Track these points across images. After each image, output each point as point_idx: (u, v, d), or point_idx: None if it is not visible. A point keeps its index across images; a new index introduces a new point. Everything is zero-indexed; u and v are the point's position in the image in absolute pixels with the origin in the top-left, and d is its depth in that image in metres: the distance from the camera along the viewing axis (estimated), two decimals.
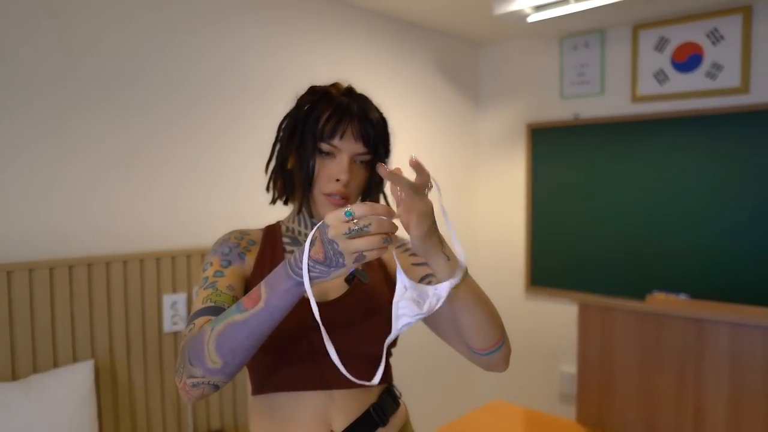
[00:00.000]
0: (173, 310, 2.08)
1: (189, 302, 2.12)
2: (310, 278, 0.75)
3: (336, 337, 0.97)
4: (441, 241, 0.83)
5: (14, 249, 1.78)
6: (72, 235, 1.90)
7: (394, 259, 1.05)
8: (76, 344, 1.87)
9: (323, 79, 2.57)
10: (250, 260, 1.02)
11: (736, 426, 2.05)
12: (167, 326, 2.07)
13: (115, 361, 1.96)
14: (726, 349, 2.06)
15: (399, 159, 3.04)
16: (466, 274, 0.84)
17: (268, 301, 0.77)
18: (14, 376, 1.74)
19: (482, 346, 0.90)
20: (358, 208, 0.72)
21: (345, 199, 0.99)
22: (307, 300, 0.97)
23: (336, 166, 0.98)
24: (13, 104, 1.77)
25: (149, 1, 2.06)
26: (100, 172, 1.96)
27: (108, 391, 1.93)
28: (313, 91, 1.04)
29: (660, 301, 2.50)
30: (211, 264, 0.99)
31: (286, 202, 1.08)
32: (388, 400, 1.03)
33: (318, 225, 0.74)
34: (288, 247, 1.05)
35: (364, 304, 1.00)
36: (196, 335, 0.83)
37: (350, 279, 0.98)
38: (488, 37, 3.40)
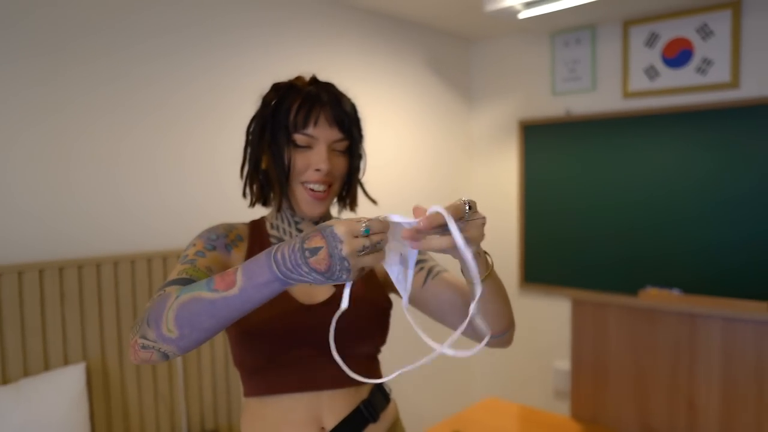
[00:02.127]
0: None
1: None
2: (295, 280, 0.71)
3: (325, 339, 0.96)
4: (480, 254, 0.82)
5: (2, 251, 1.76)
6: (62, 237, 1.88)
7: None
8: (68, 347, 1.85)
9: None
10: (237, 255, 1.00)
11: (728, 419, 2.06)
12: None
13: (107, 364, 1.94)
14: (718, 343, 2.07)
15: (393, 160, 3.03)
16: (491, 268, 0.85)
17: (243, 289, 0.72)
18: (4, 380, 1.72)
19: (500, 329, 0.93)
20: (376, 225, 0.68)
21: (328, 187, 0.98)
22: (295, 301, 0.97)
23: (314, 155, 0.96)
24: (6, 106, 1.75)
25: (143, 1, 2.04)
26: (90, 173, 1.95)
27: (100, 394, 1.92)
28: (277, 87, 1.02)
29: (653, 296, 2.51)
30: (194, 245, 0.96)
31: (265, 203, 1.06)
32: (378, 396, 1.04)
33: (323, 231, 0.68)
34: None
35: (353, 302, 0.97)
36: (159, 298, 0.78)
37: None
38: (479, 34, 3.39)
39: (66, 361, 1.85)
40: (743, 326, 2.02)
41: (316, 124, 0.95)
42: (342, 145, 0.99)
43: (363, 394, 1.01)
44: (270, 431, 0.97)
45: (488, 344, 0.95)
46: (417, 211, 0.70)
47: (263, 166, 1.00)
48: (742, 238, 2.63)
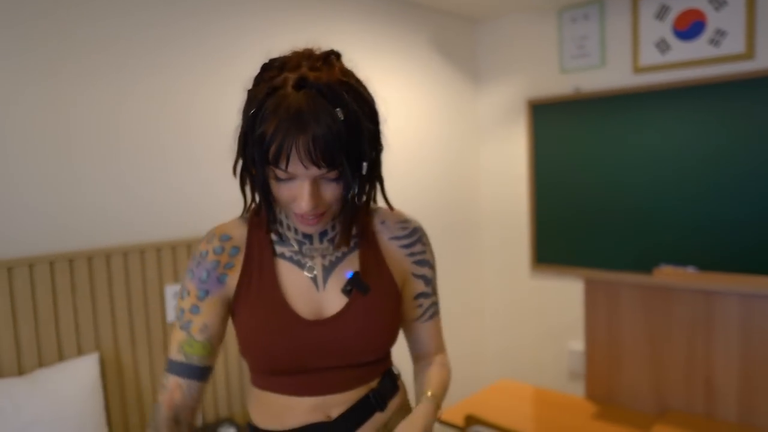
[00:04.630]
0: (175, 300, 2.06)
1: None
2: None
3: (332, 354, 0.93)
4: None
5: (14, 244, 1.77)
6: (71, 229, 1.89)
7: (394, 254, 1.01)
8: (81, 337, 1.86)
9: None
10: (232, 280, 0.94)
11: (748, 397, 2.03)
12: (170, 317, 2.06)
13: (120, 353, 1.95)
14: (736, 320, 2.04)
15: (400, 143, 3.00)
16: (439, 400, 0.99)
17: None
18: (20, 371, 1.73)
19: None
20: None
21: (318, 218, 0.87)
22: (300, 318, 0.92)
23: (295, 190, 0.83)
24: (13, 97, 1.75)
25: None
26: (98, 164, 1.94)
27: (114, 383, 1.93)
28: (261, 78, 0.86)
29: (667, 274, 2.48)
30: (188, 293, 0.93)
31: (258, 209, 0.96)
32: (387, 384, 1.01)
33: None
34: (278, 248, 0.96)
35: (362, 318, 0.94)
36: (153, 417, 0.92)
37: (348, 291, 0.93)
38: (485, 14, 3.33)
39: (80, 352, 1.86)
40: (761, 302, 1.98)
41: (288, 163, 0.79)
42: (332, 174, 0.83)
43: (372, 385, 0.99)
44: (276, 418, 0.96)
45: None
46: None
47: (254, 171, 0.86)
48: (758, 213, 2.58)
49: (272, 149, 0.79)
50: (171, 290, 2.06)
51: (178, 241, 2.09)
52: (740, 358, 2.03)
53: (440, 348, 1.10)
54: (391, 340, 0.99)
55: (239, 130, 0.87)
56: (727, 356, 2.05)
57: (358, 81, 0.88)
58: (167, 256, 2.06)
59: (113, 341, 1.93)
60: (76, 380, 1.75)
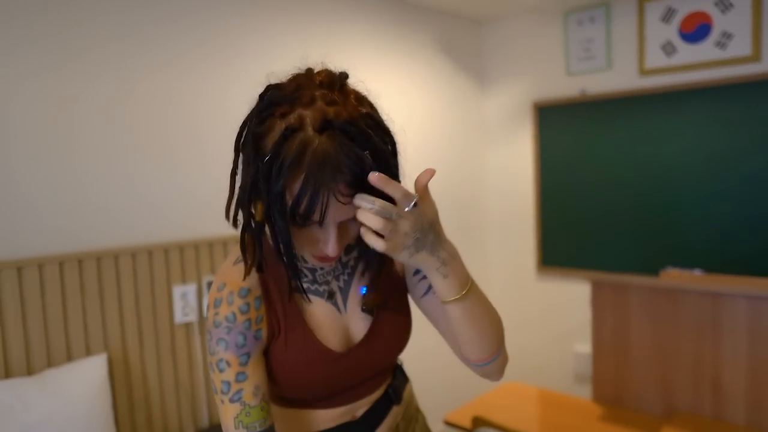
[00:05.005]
0: (183, 301, 2.07)
1: (199, 293, 2.12)
2: None
3: (364, 374, 0.94)
4: (436, 257, 0.79)
5: (23, 245, 1.78)
6: (80, 229, 1.90)
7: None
8: (89, 338, 1.87)
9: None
10: (264, 330, 0.87)
11: (756, 399, 2.02)
12: (178, 317, 2.06)
13: (128, 354, 1.96)
14: (744, 322, 2.03)
15: (405, 145, 3.00)
16: (469, 289, 0.82)
17: None
18: (29, 371, 1.74)
19: (477, 358, 0.88)
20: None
21: (337, 257, 0.81)
22: (331, 352, 0.90)
23: (322, 234, 0.78)
24: (18, 96, 1.76)
25: None
26: (106, 165, 1.95)
27: (122, 383, 1.93)
28: (269, 114, 0.76)
29: (674, 277, 2.47)
30: (228, 364, 0.83)
31: (260, 267, 0.84)
32: (399, 377, 1.05)
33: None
34: (292, 283, 0.86)
35: (388, 332, 0.95)
36: None
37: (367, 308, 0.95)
38: (491, 16, 3.34)
39: (88, 352, 1.86)
40: None
41: (323, 215, 0.73)
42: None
43: (388, 379, 1.03)
44: (300, 417, 0.96)
45: (473, 371, 0.91)
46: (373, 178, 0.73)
47: (257, 218, 0.77)
48: (764, 215, 2.57)
49: (303, 204, 0.72)
50: (179, 291, 2.07)
51: (186, 241, 2.10)
52: (748, 360, 2.02)
53: None
54: (409, 338, 1.00)
55: (241, 171, 0.78)
56: (735, 358, 2.04)
57: (373, 108, 0.82)
58: (175, 257, 2.07)
59: (121, 342, 1.94)
60: (85, 380, 1.75)
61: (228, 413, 0.82)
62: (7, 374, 1.70)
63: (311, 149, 0.71)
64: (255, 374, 0.84)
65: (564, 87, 3.18)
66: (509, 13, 3.29)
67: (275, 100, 0.77)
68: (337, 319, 0.92)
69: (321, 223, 0.74)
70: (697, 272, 2.66)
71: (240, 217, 0.80)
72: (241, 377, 0.83)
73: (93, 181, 1.93)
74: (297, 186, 0.71)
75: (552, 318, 3.35)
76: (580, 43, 3.09)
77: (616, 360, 2.35)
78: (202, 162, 2.20)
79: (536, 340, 3.44)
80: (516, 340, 3.54)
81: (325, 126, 0.72)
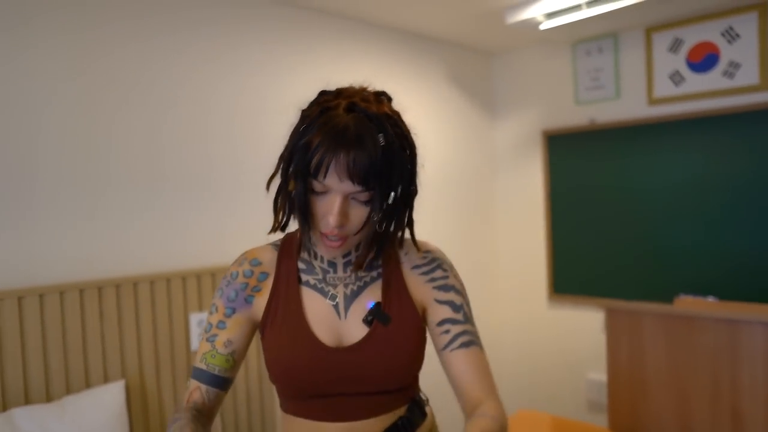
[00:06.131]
0: (200, 328, 2.09)
1: None
2: None
3: (354, 381, 0.95)
4: None
5: (45, 272, 1.81)
6: (100, 257, 1.93)
7: (415, 283, 1.02)
8: (107, 364, 1.89)
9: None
10: (260, 302, 0.99)
11: None
12: (195, 345, 2.08)
13: (145, 381, 1.97)
14: (762, 349, 2.02)
15: (421, 180, 3.04)
16: None
17: None
18: (48, 398, 1.75)
19: None
20: None
21: (342, 240, 0.91)
22: (321, 344, 0.95)
23: (327, 205, 0.89)
24: (45, 131, 1.81)
25: (172, 24, 2.10)
26: (126, 195, 1.99)
27: (139, 410, 1.94)
28: (316, 102, 0.94)
29: (689, 304, 2.46)
30: (217, 309, 0.99)
31: (283, 229, 0.99)
32: (415, 411, 1.02)
33: None
34: (303, 276, 1.00)
35: (382, 347, 0.95)
36: (172, 420, 0.91)
37: (369, 321, 0.96)
38: (501, 47, 3.41)
39: (106, 379, 1.88)
40: None
41: (326, 175, 0.86)
42: (363, 196, 0.89)
43: (400, 412, 1.00)
44: None
45: None
46: None
47: (290, 188, 0.92)
48: None
49: (315, 159, 0.86)
50: (195, 318, 2.09)
51: (203, 269, 2.12)
52: (767, 387, 2.00)
53: (485, 388, 0.96)
54: (413, 369, 1.00)
55: (285, 145, 0.93)
56: (754, 385, 2.02)
57: (402, 121, 0.98)
58: (192, 285, 2.09)
59: (138, 369, 1.95)
60: (103, 407, 1.76)
61: (201, 348, 0.98)
62: (27, 400, 1.72)
63: (335, 120, 0.87)
64: (233, 329, 0.98)
65: (573, 116, 3.22)
66: (519, 44, 3.35)
67: (324, 92, 0.95)
68: (335, 322, 0.97)
69: (324, 179, 0.86)
70: (711, 299, 2.64)
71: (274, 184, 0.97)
72: (221, 325, 0.98)
73: (113, 211, 1.97)
74: (316, 141, 0.86)
75: (564, 346, 3.33)
76: (588, 73, 3.14)
77: (632, 388, 2.32)
78: (219, 193, 2.24)
79: (549, 368, 3.41)
80: (528, 368, 3.51)
81: (352, 108, 0.89)
